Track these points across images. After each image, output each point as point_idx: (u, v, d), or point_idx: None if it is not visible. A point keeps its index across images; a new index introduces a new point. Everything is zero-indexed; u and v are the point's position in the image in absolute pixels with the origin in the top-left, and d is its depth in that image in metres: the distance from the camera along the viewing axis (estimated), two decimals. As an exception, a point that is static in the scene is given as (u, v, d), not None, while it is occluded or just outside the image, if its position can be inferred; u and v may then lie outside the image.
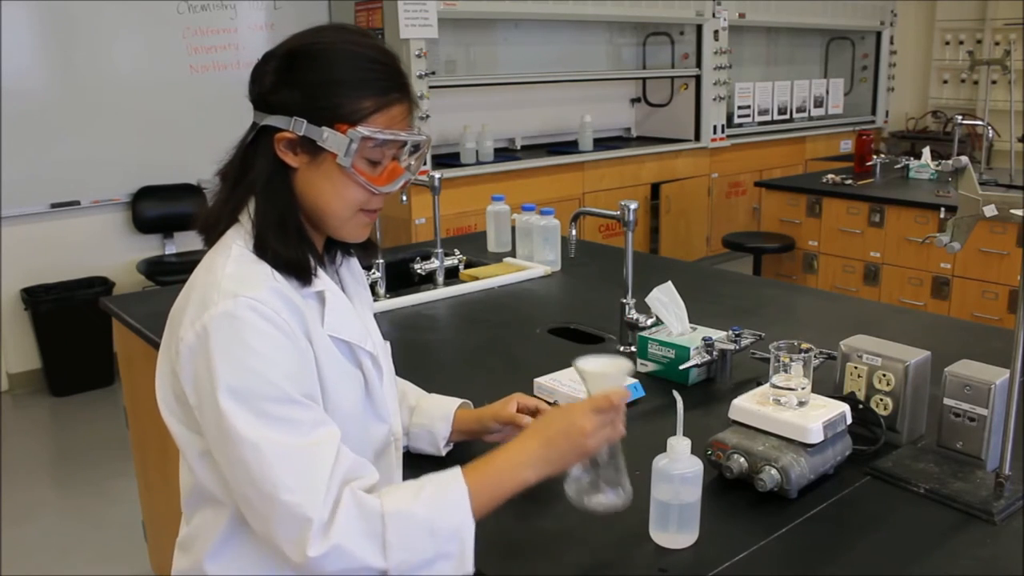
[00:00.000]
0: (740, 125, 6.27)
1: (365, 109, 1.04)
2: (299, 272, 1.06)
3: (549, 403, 1.55)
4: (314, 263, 1.08)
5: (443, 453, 1.33)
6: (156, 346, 1.86)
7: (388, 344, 1.26)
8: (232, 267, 1.02)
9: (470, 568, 0.99)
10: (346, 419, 1.06)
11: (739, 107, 6.24)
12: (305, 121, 1.03)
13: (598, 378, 1.08)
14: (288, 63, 1.05)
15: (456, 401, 1.37)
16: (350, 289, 1.20)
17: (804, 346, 1.26)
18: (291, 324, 1.00)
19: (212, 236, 1.10)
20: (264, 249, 1.05)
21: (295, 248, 1.06)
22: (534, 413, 1.29)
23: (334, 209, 1.08)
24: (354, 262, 1.23)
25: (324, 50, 1.05)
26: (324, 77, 1.04)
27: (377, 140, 1.05)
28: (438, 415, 1.34)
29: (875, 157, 4.51)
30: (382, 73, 1.06)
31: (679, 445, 1.09)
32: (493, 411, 1.32)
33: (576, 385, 1.57)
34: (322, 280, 1.09)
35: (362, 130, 1.03)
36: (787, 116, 6.53)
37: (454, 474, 1.01)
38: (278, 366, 0.97)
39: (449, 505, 0.98)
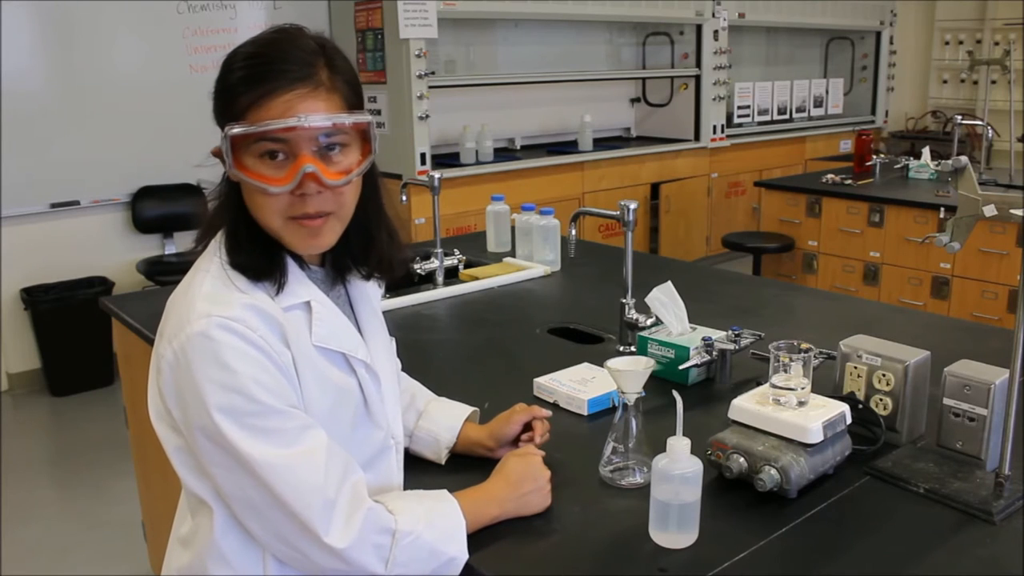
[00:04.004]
0: (740, 125, 6.27)
1: (240, 105, 1.00)
2: (262, 275, 1.05)
3: (548, 403, 1.56)
4: (285, 267, 1.07)
5: (443, 462, 1.33)
6: (156, 346, 1.87)
7: (393, 341, 1.26)
8: (208, 285, 1.04)
9: None
10: (335, 425, 1.08)
11: (739, 107, 6.24)
12: (221, 131, 1.03)
13: (626, 375, 1.21)
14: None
15: (465, 411, 1.37)
16: (358, 301, 1.20)
17: (804, 346, 1.26)
18: (267, 338, 1.01)
19: (201, 242, 1.12)
20: (230, 256, 1.06)
21: (250, 254, 1.05)
22: (527, 427, 1.32)
23: (261, 220, 1.05)
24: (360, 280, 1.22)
25: (225, 59, 1.04)
26: (218, 85, 1.04)
27: (251, 135, 0.99)
28: (445, 424, 1.34)
29: (875, 157, 4.51)
30: (258, 66, 1.00)
31: (679, 445, 1.09)
32: (494, 430, 1.32)
33: (575, 384, 1.57)
34: (307, 290, 1.09)
35: (227, 128, 1.00)
36: (787, 116, 6.53)
37: (455, 505, 1.10)
38: (257, 382, 0.99)
39: (451, 532, 1.08)
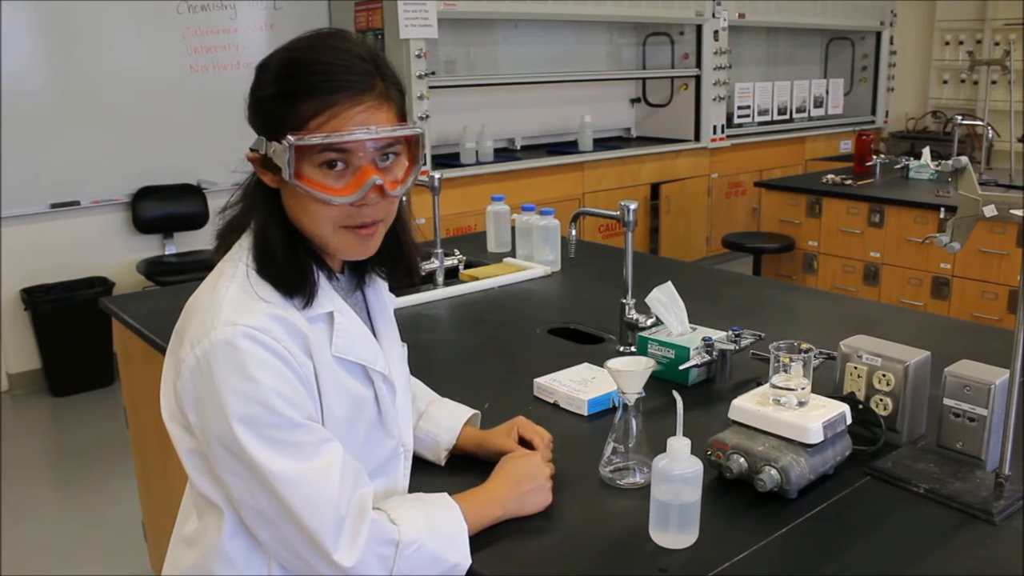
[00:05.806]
0: (740, 125, 6.27)
1: (303, 115, 0.98)
2: (293, 291, 1.05)
3: (548, 403, 1.56)
4: (317, 281, 1.07)
5: (442, 463, 1.33)
6: (156, 346, 1.87)
7: (405, 347, 1.26)
8: (235, 291, 1.03)
9: None
10: (349, 434, 1.08)
11: (739, 107, 6.24)
12: (264, 139, 1.02)
13: (626, 375, 1.21)
14: (253, 82, 1.04)
15: (466, 413, 1.36)
16: (375, 308, 1.20)
17: (804, 346, 1.26)
18: (291, 349, 1.01)
19: (222, 245, 1.10)
20: (260, 267, 1.05)
21: (283, 268, 1.04)
22: (527, 444, 1.31)
23: (308, 228, 1.04)
24: (380, 283, 1.21)
25: (270, 63, 1.03)
26: (268, 91, 1.02)
27: (316, 146, 0.98)
28: (446, 425, 1.34)
29: (875, 157, 4.51)
30: (323, 74, 0.99)
31: (679, 445, 1.09)
32: (492, 439, 1.32)
33: (575, 385, 1.57)
34: (331, 300, 1.09)
35: (292, 138, 0.98)
36: (787, 116, 6.53)
37: (457, 510, 1.10)
38: (279, 394, 0.99)
39: (453, 539, 1.07)
